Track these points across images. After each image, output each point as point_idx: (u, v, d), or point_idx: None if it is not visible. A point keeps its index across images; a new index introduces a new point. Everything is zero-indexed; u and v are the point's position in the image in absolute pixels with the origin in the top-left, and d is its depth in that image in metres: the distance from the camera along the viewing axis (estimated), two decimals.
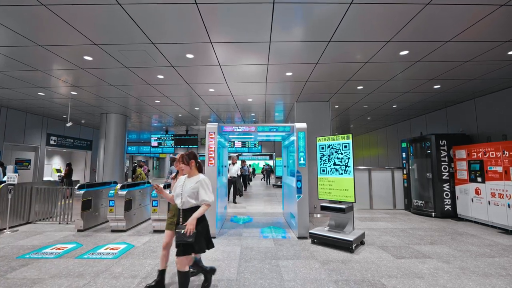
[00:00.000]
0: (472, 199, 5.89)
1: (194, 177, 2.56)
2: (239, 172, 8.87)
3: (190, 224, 2.33)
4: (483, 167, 5.60)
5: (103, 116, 8.92)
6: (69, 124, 8.02)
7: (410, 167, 7.39)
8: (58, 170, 12.50)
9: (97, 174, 8.84)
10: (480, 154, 5.71)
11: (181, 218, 2.49)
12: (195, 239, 2.34)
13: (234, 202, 8.78)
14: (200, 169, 2.65)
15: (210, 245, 2.55)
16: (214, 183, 4.79)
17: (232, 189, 8.83)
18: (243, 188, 9.25)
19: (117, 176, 8.75)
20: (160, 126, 12.30)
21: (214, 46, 3.99)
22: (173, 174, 3.19)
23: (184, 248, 2.34)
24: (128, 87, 6.03)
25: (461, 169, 6.25)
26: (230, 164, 8.60)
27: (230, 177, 8.41)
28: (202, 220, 2.50)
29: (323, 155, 4.84)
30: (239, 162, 9.24)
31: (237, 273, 3.23)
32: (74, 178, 10.97)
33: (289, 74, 5.22)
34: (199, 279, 3.08)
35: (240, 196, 9.70)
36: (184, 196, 2.47)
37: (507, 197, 5.06)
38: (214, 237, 4.73)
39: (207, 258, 3.74)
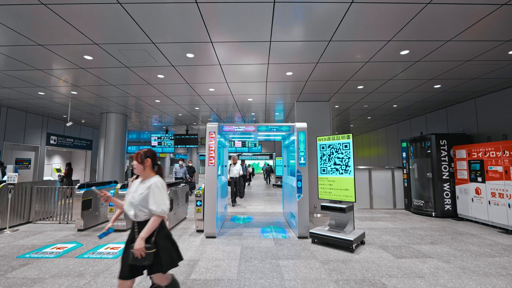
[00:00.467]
0: (472, 198, 5.89)
1: (147, 180, 2.10)
2: (241, 172, 8.62)
3: (138, 249, 1.90)
4: (483, 167, 5.60)
5: (103, 116, 8.91)
6: (69, 124, 8.02)
7: (410, 167, 7.39)
8: (58, 170, 12.50)
9: (97, 174, 8.84)
10: (480, 154, 5.71)
11: (136, 233, 2.03)
12: (154, 259, 1.96)
13: (233, 205, 8.41)
14: (159, 173, 2.19)
15: (179, 258, 2.14)
16: (214, 183, 4.79)
17: (238, 190, 8.46)
18: (244, 189, 8.96)
19: (117, 175, 8.75)
20: (160, 126, 12.30)
21: (215, 45, 3.99)
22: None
23: (152, 266, 1.99)
24: (128, 86, 6.03)
25: (461, 168, 6.25)
26: (231, 164, 8.45)
27: (231, 178, 8.25)
28: (160, 231, 2.05)
29: (324, 154, 4.84)
30: (239, 162, 9.02)
31: (237, 273, 3.23)
32: (74, 177, 10.99)
33: (289, 73, 5.22)
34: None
35: (240, 198, 9.57)
36: (135, 205, 2.03)
37: (507, 196, 5.06)
38: (214, 237, 4.74)
39: (207, 258, 3.75)
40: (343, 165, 4.52)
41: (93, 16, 3.18)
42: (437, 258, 3.74)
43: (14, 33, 3.55)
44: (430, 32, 3.57)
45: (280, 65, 4.79)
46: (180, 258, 2.14)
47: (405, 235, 4.91)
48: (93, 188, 2.16)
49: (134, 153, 2.15)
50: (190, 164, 11.11)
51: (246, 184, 15.08)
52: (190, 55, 4.34)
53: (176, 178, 8.94)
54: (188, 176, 9.34)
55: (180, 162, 9.36)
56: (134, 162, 2.11)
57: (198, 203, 5.07)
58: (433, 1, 2.90)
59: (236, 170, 8.31)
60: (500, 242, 4.47)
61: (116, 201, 2.19)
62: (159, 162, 2.22)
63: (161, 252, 2.00)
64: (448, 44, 3.91)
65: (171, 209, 5.28)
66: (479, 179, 5.70)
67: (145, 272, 2.06)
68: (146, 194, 2.01)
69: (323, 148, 4.85)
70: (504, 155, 5.15)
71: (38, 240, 4.62)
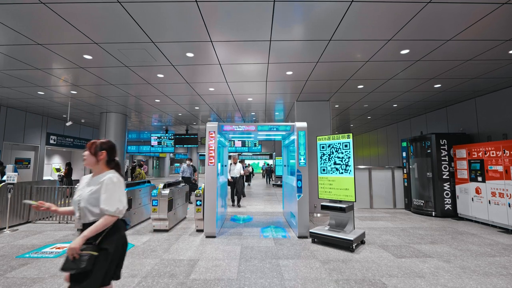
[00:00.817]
0: (472, 198, 5.88)
1: (100, 175, 1.76)
2: (242, 172, 8.48)
3: (71, 248, 1.55)
4: (484, 167, 5.60)
5: (102, 115, 8.91)
6: (69, 124, 8.02)
7: (411, 167, 7.38)
8: (58, 170, 12.49)
9: None
10: (480, 154, 5.71)
11: None
12: (94, 266, 1.57)
13: (233, 204, 8.35)
14: (117, 168, 1.86)
15: (116, 273, 1.75)
16: (214, 183, 4.78)
17: (236, 190, 8.29)
18: (243, 190, 8.70)
19: None
20: (160, 126, 12.29)
21: (214, 44, 3.98)
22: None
23: (78, 277, 1.59)
24: (128, 86, 6.02)
25: (461, 168, 6.24)
26: (231, 163, 8.37)
27: (231, 177, 8.16)
28: (111, 234, 1.69)
29: (324, 154, 4.83)
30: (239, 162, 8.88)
31: (237, 273, 3.22)
32: (74, 177, 10.96)
33: (289, 73, 5.21)
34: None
35: (239, 199, 9.24)
36: (82, 204, 1.69)
37: (507, 196, 5.05)
38: (214, 237, 4.73)
39: (207, 257, 3.74)
40: (343, 164, 4.51)
41: (93, 15, 3.17)
42: (438, 257, 3.74)
43: (13, 32, 3.54)
44: (430, 31, 3.56)
45: (280, 64, 4.78)
46: (116, 277, 1.76)
47: (405, 235, 4.90)
48: (25, 200, 1.87)
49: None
50: (191, 163, 11.06)
51: (246, 184, 15.01)
52: (190, 55, 4.33)
53: (183, 178, 8.84)
54: (192, 177, 9.22)
55: (188, 162, 9.25)
56: (86, 153, 1.78)
57: (198, 202, 5.06)
58: (433, 0, 2.89)
59: (237, 170, 8.23)
60: (500, 242, 4.46)
61: (62, 210, 1.83)
62: (117, 158, 1.90)
63: (100, 259, 1.60)
64: (448, 43, 3.90)
65: (170, 209, 5.27)
66: (479, 178, 5.70)
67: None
68: (97, 190, 1.68)
69: (323, 147, 4.85)
70: (504, 155, 5.15)
71: (38, 240, 4.61)
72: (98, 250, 1.62)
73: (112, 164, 1.85)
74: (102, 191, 1.67)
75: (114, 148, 1.88)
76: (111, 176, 1.73)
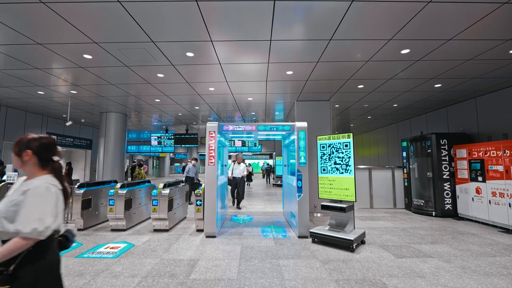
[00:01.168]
0: (472, 198, 5.88)
1: (28, 182, 1.37)
2: (245, 172, 8.35)
3: None
4: (484, 166, 5.59)
5: (103, 115, 8.90)
6: (69, 123, 8.01)
7: (411, 166, 7.37)
8: None
9: (97, 173, 8.83)
10: (480, 153, 5.70)
11: None
12: None
13: (238, 207, 8.07)
14: (55, 172, 1.44)
15: None
16: (214, 183, 4.78)
17: (237, 191, 8.02)
18: (243, 191, 8.44)
19: (117, 175, 8.74)
20: (160, 125, 12.28)
21: (215, 44, 3.97)
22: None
23: None
24: (128, 85, 6.01)
25: (461, 168, 6.24)
26: (234, 162, 8.18)
27: (233, 177, 8.09)
28: (34, 260, 1.30)
29: (324, 154, 4.83)
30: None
31: (237, 273, 3.22)
32: (74, 177, 10.95)
33: (289, 73, 5.20)
34: None
35: (239, 201, 8.97)
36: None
37: (507, 196, 5.05)
38: (214, 236, 4.73)
39: (207, 257, 3.74)
40: (344, 164, 4.50)
41: (93, 14, 3.16)
42: (438, 257, 3.73)
43: (13, 31, 3.53)
44: (431, 31, 3.56)
45: (280, 64, 4.77)
46: None
47: (406, 235, 4.90)
48: None
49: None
50: (196, 163, 10.97)
51: (246, 184, 14.98)
52: (190, 54, 4.33)
53: (186, 177, 8.74)
54: (196, 177, 9.13)
55: (193, 162, 9.10)
56: (13, 153, 1.42)
57: (198, 202, 5.06)
58: None
59: (240, 170, 8.06)
60: (500, 242, 4.46)
61: None
62: (56, 158, 1.47)
63: None
64: (449, 43, 3.89)
65: (170, 208, 5.26)
66: (480, 178, 5.69)
67: None
68: (19, 202, 1.28)
69: (323, 147, 4.84)
70: (504, 155, 5.14)
71: None
72: (12, 280, 1.23)
73: (48, 166, 1.41)
74: (22, 205, 1.27)
75: (49, 146, 1.43)
76: (39, 184, 1.31)
